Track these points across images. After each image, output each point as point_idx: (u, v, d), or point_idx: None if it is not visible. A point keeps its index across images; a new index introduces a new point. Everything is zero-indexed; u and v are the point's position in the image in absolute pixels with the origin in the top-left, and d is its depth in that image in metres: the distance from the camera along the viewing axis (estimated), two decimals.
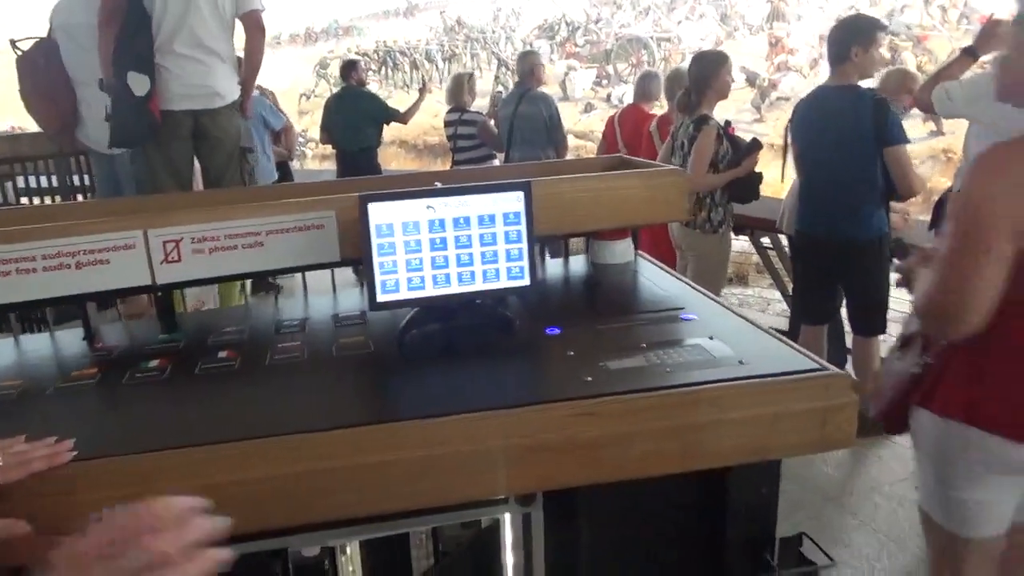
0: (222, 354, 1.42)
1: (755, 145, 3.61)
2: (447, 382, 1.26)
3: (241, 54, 3.68)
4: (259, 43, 3.64)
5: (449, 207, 1.42)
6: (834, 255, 3.34)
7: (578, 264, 1.92)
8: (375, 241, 1.37)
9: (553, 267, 1.93)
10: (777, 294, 5.64)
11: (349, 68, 6.66)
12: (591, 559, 1.30)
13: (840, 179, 3.27)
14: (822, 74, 16.82)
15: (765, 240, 5.10)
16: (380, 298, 1.39)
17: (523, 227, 1.45)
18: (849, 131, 3.20)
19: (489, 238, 1.44)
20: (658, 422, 1.15)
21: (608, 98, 17.53)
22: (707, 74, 3.62)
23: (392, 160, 15.57)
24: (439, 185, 1.52)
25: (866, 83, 3.45)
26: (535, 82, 5.45)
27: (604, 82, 18.89)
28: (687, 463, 1.17)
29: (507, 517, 1.28)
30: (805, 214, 3.45)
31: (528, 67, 5.47)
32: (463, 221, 1.42)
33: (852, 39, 3.21)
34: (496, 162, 5.78)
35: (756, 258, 5.86)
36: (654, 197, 1.67)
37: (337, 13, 31.30)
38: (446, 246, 1.42)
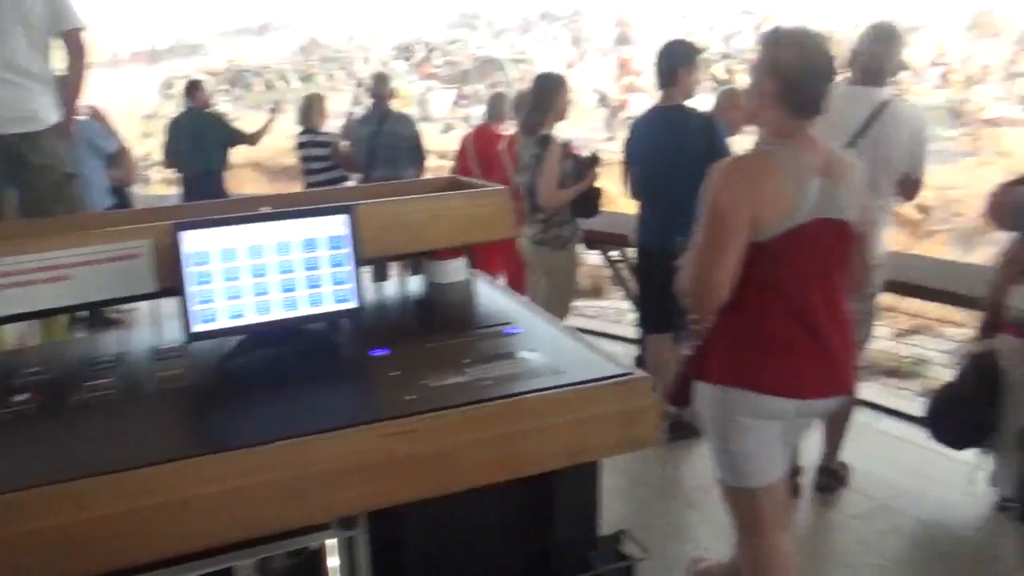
0: (21, 396, 1.33)
1: (594, 160, 3.76)
2: (266, 410, 1.25)
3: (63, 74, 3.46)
4: (81, 62, 3.43)
5: (270, 233, 1.41)
6: (670, 268, 3.48)
7: (414, 284, 1.95)
8: (189, 270, 1.34)
9: (389, 288, 1.94)
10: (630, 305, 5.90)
11: (193, 88, 6.40)
12: (422, 575, 1.32)
13: (673, 195, 3.43)
14: None
15: (615, 254, 5.33)
16: (196, 328, 1.35)
17: (349, 250, 1.46)
18: (681, 149, 3.37)
19: (313, 263, 1.44)
20: (477, 434, 1.19)
21: (467, 118, 17.75)
22: (547, 95, 3.76)
23: (247, 183, 15.02)
24: (266, 210, 1.51)
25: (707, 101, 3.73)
26: (389, 102, 5.45)
27: (463, 102, 19.12)
28: (508, 472, 1.22)
29: (332, 542, 1.28)
30: (643, 229, 3.60)
31: (383, 88, 5.46)
32: (285, 246, 1.42)
33: (677, 63, 3.43)
34: (352, 184, 5.71)
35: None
36: (481, 216, 1.72)
37: (183, 30, 29.94)
38: (267, 272, 1.41)
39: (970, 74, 16.17)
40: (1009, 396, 2.82)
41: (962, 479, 3.12)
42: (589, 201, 3.79)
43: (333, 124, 6.49)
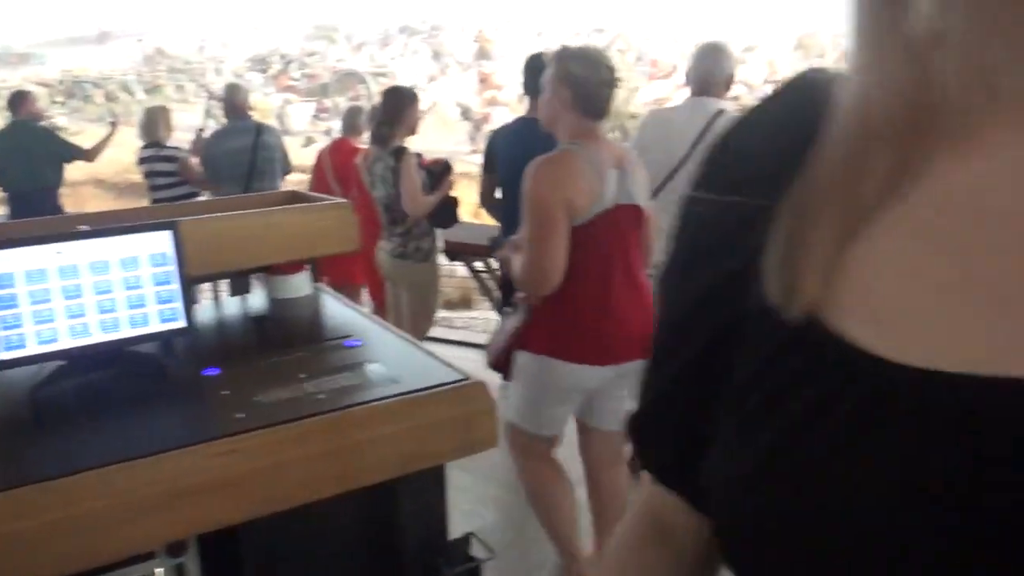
0: None
1: (447, 168, 3.79)
2: (84, 438, 1.18)
3: None
4: None
5: (84, 251, 1.33)
6: None
7: (256, 300, 1.89)
8: None
9: (229, 305, 1.88)
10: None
11: (18, 100, 5.90)
12: None
13: None
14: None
15: (479, 265, 5.39)
16: (2, 356, 1.26)
17: (174, 268, 1.40)
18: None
19: (134, 281, 1.37)
20: (309, 448, 1.17)
21: (328, 132, 17.41)
22: (398, 108, 3.76)
23: (89, 201, 14.00)
24: (83, 228, 1.42)
25: None
26: (244, 114, 5.24)
27: (324, 115, 18.74)
28: (342, 485, 1.21)
29: (160, 571, 1.22)
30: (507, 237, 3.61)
31: (241, 99, 5.25)
32: (102, 266, 1.34)
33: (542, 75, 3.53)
34: (205, 198, 5.45)
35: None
36: (320, 230, 1.70)
37: (10, 38, 27.54)
38: (82, 294, 1.33)
39: None
40: None
41: None
42: (447, 211, 3.81)
43: (182, 138, 6.19)
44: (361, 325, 1.64)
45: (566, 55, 2.07)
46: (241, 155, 5.10)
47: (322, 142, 17.56)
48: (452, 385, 1.28)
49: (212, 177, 5.19)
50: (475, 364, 4.13)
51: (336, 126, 17.17)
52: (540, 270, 1.97)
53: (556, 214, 1.94)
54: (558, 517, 2.34)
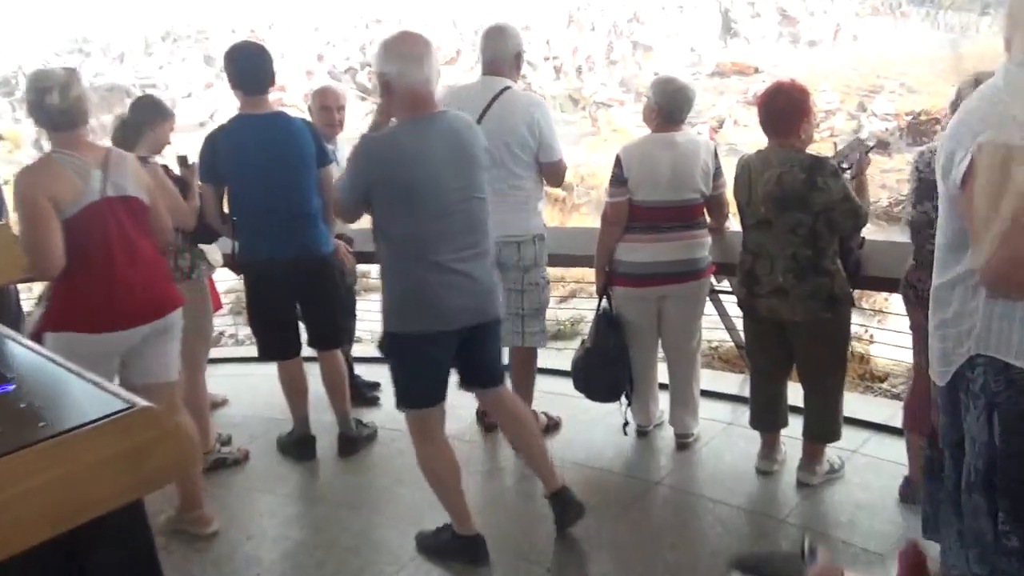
0: None
1: (189, 168, 3.39)
2: None
3: None
4: None
5: None
6: (293, 275, 3.19)
7: None
8: None
9: None
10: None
11: None
12: None
13: (296, 200, 3.22)
14: None
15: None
16: None
17: None
18: (293, 155, 3.15)
19: None
20: None
21: None
22: (139, 121, 3.28)
23: None
24: None
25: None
26: None
27: (90, 136, 16.92)
28: None
29: None
30: (256, 244, 3.17)
31: None
32: None
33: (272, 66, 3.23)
34: None
35: None
36: None
37: None
38: None
39: (578, 65, 18.34)
40: (632, 338, 3.15)
41: (604, 418, 3.42)
42: (207, 224, 3.39)
43: None
44: (19, 361, 1.34)
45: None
46: None
47: None
48: (116, 417, 1.04)
49: None
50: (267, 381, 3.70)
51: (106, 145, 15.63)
52: (39, 257, 2.25)
53: (42, 210, 2.26)
54: None
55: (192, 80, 18.18)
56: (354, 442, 3.42)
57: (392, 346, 2.46)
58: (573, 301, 7.76)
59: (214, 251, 3.59)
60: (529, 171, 3.04)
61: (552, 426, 3.46)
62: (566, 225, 12.39)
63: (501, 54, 3.04)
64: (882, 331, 5.52)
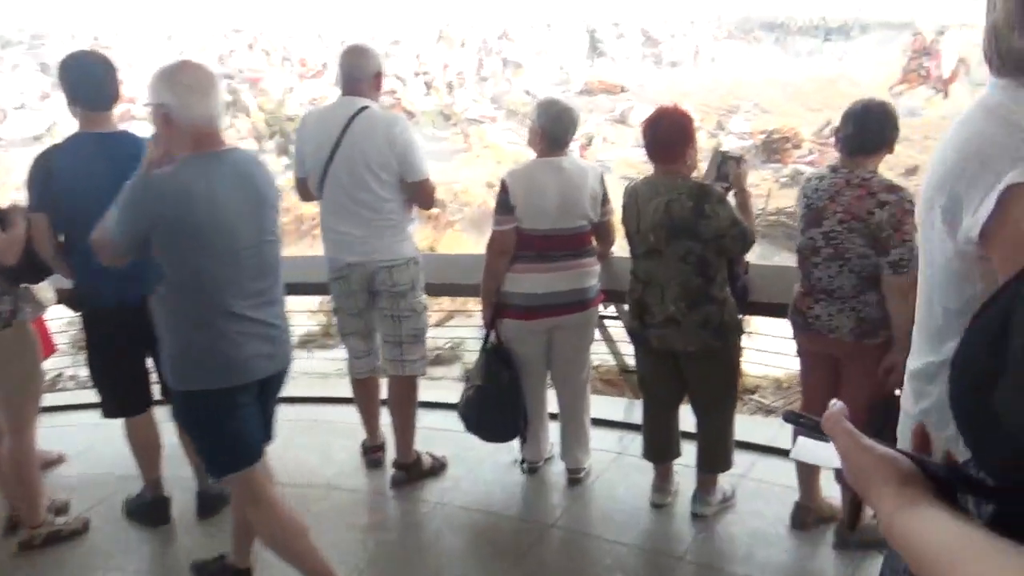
0: None
1: (15, 209, 2.93)
2: None
3: None
4: None
5: None
6: (145, 321, 2.64)
7: None
8: None
9: None
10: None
11: None
12: None
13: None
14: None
15: None
16: None
17: None
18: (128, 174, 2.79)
19: None
20: None
21: None
22: None
23: None
24: None
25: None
26: None
27: None
28: None
29: None
30: (97, 284, 2.72)
31: None
32: None
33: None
34: None
35: None
36: None
37: None
38: None
39: (449, 80, 18.26)
40: (523, 372, 2.98)
41: (492, 455, 3.25)
42: (36, 259, 2.87)
43: None
44: None
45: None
46: None
47: None
48: None
49: None
50: None
51: None
52: None
53: None
54: None
55: (25, 90, 16.57)
56: (215, 500, 3.02)
57: (188, 407, 2.21)
58: (451, 323, 7.60)
59: (45, 289, 3.12)
60: (394, 193, 2.93)
61: (438, 467, 3.26)
62: (440, 242, 12.24)
63: (359, 73, 2.95)
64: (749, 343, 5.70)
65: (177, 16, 20.63)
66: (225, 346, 2.13)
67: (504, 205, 2.87)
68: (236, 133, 16.11)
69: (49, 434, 3.20)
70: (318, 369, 6.02)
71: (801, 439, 0.81)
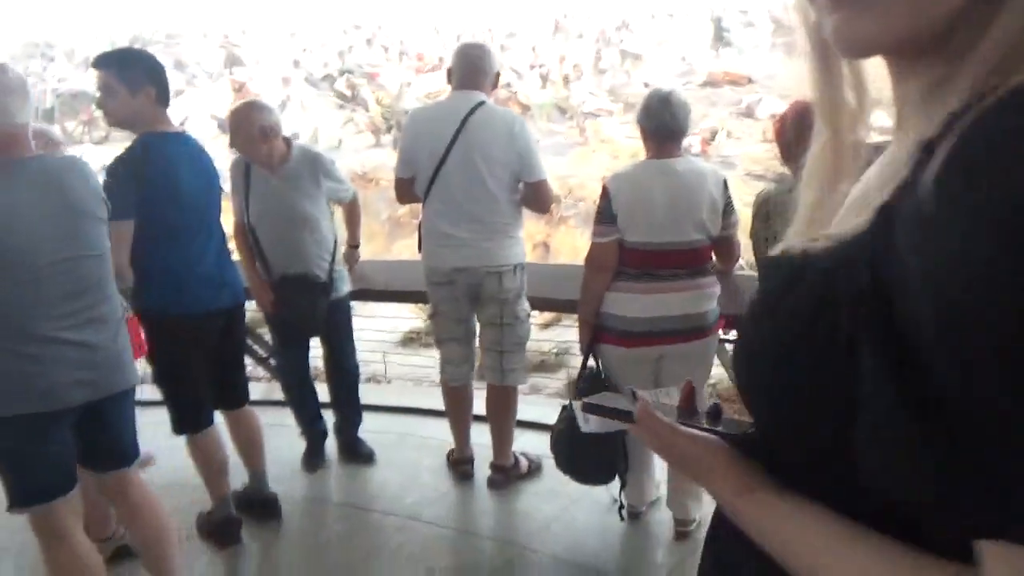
0: None
1: None
2: None
3: None
4: None
5: None
6: (221, 328, 2.80)
7: None
8: None
9: None
10: None
11: None
12: None
13: (216, 234, 2.72)
14: (294, 113, 16.97)
15: None
16: None
17: None
18: (215, 183, 2.72)
19: None
20: None
21: None
22: None
23: None
24: None
25: None
26: None
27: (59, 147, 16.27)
28: None
29: None
30: (180, 292, 2.61)
31: None
32: None
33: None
34: None
35: None
36: None
37: None
38: None
39: (565, 73, 17.83)
40: None
41: (587, 493, 2.88)
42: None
43: None
44: None
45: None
46: None
47: None
48: None
49: None
50: None
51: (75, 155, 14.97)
52: None
53: None
54: None
55: None
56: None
57: None
58: (559, 324, 7.26)
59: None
60: (509, 194, 2.81)
61: (535, 469, 3.14)
62: (553, 237, 11.91)
63: (482, 66, 2.84)
64: None
65: (300, 13, 21.28)
66: (28, 370, 1.95)
67: (605, 213, 2.48)
68: (355, 127, 16.43)
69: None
70: (409, 375, 5.85)
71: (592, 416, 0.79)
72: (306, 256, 3.05)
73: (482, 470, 3.14)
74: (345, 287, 3.27)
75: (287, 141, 3.08)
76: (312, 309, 3.08)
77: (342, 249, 3.30)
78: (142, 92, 2.46)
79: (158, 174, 2.48)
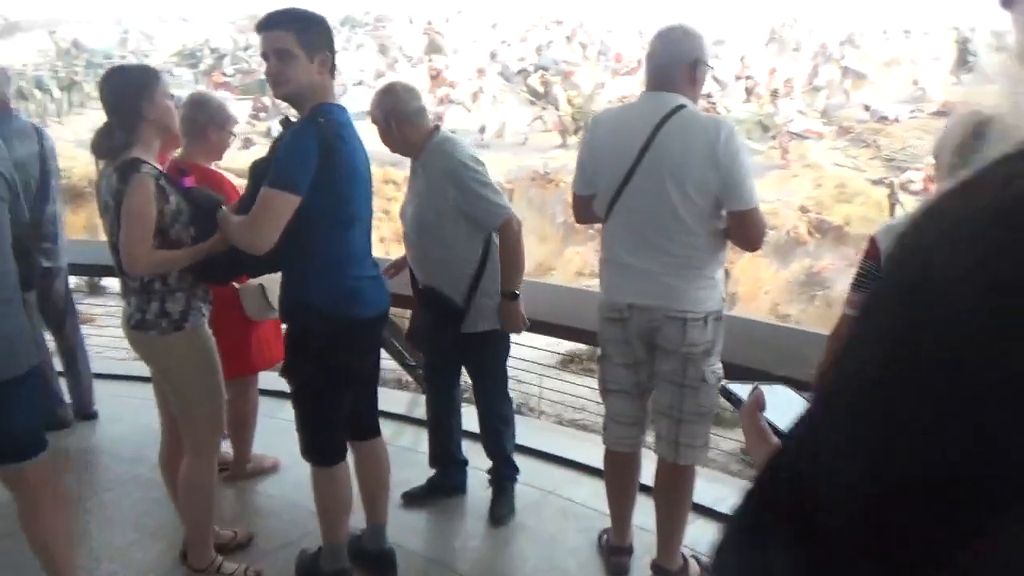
0: None
1: (215, 204, 2.36)
2: None
3: None
4: None
5: None
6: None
7: None
8: None
9: None
10: None
11: None
12: None
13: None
14: (484, 106, 16.85)
15: None
16: None
17: None
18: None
19: None
20: None
21: (268, 132, 15.89)
22: (129, 100, 2.30)
23: None
24: None
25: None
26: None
27: (262, 115, 17.24)
28: None
29: None
30: (342, 290, 2.39)
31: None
32: None
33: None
34: None
35: None
36: None
37: None
38: None
39: (774, 88, 16.37)
40: None
41: None
42: (237, 258, 2.34)
43: None
44: None
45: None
46: (26, 168, 3.45)
47: (261, 143, 16.04)
48: None
49: None
50: None
51: (276, 126, 15.72)
52: None
53: None
54: None
55: (365, 68, 18.00)
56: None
57: None
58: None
59: (255, 294, 2.93)
60: (706, 222, 2.29)
61: None
62: (736, 264, 10.80)
63: (672, 60, 2.34)
64: None
65: (503, 5, 21.22)
66: None
67: (870, 278, 1.88)
68: (542, 125, 16.04)
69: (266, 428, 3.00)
70: (565, 402, 5.24)
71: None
72: (433, 270, 2.76)
73: (640, 564, 2.59)
74: (484, 324, 2.80)
75: (434, 129, 2.78)
76: (436, 331, 2.87)
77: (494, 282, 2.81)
78: (319, 57, 2.16)
79: (345, 153, 2.19)
